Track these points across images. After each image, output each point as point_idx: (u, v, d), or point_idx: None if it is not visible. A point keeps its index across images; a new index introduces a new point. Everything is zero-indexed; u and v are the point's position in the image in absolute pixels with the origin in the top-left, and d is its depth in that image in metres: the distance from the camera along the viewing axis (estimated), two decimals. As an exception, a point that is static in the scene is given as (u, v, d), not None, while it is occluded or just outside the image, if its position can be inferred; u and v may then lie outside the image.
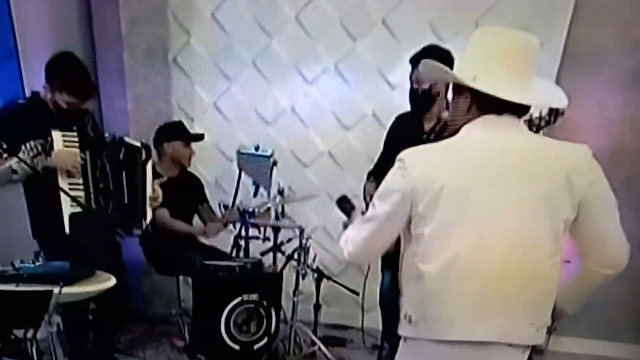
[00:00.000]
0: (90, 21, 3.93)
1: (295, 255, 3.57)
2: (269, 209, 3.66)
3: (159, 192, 3.26)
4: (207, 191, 4.03)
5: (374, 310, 3.51)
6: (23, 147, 2.68)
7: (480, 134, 1.62)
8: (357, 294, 3.52)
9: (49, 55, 2.95)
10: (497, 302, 1.59)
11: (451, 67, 1.76)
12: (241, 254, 3.70)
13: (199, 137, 3.85)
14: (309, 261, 3.56)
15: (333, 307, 4.11)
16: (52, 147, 2.80)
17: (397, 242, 1.77)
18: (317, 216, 4.19)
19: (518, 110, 1.62)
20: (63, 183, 2.83)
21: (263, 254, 3.69)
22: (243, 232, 3.66)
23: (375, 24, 3.92)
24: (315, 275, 3.62)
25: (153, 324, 4.08)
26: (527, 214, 1.57)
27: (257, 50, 4.10)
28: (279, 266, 3.70)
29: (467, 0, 3.75)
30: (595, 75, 3.65)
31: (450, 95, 1.74)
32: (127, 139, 3.11)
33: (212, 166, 4.28)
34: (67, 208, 2.79)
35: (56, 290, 2.24)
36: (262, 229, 3.69)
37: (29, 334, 2.46)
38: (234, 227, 3.75)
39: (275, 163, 3.61)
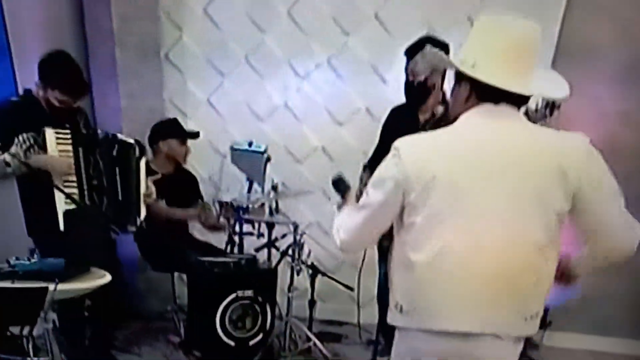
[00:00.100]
0: (82, 18, 3.91)
1: (290, 251, 3.57)
2: (263, 204, 3.66)
3: (153, 188, 3.26)
4: (201, 187, 4.03)
5: (369, 305, 3.52)
6: (16, 140, 2.71)
7: (477, 123, 1.62)
8: (352, 289, 3.52)
9: (41, 53, 2.94)
10: (485, 293, 1.60)
11: None
12: (235, 250, 3.69)
13: (195, 135, 3.84)
14: (304, 257, 3.55)
15: (328, 303, 4.11)
16: (44, 144, 2.80)
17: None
18: (312, 212, 4.19)
19: (517, 100, 1.61)
20: (57, 180, 2.83)
21: (257, 250, 3.69)
22: (237, 228, 3.65)
23: (368, 19, 3.92)
24: (310, 271, 3.61)
25: (148, 321, 4.07)
26: (517, 206, 1.57)
27: (249, 46, 4.09)
28: (274, 262, 3.71)
29: (459, -5, 3.75)
30: (589, 69, 3.63)
31: (447, 87, 1.75)
32: (120, 136, 3.12)
33: (205, 162, 4.27)
34: (62, 205, 2.79)
35: (51, 287, 2.26)
36: (256, 225, 3.69)
37: (25, 331, 2.49)
38: (228, 223, 3.75)
39: (268, 159, 3.60)
